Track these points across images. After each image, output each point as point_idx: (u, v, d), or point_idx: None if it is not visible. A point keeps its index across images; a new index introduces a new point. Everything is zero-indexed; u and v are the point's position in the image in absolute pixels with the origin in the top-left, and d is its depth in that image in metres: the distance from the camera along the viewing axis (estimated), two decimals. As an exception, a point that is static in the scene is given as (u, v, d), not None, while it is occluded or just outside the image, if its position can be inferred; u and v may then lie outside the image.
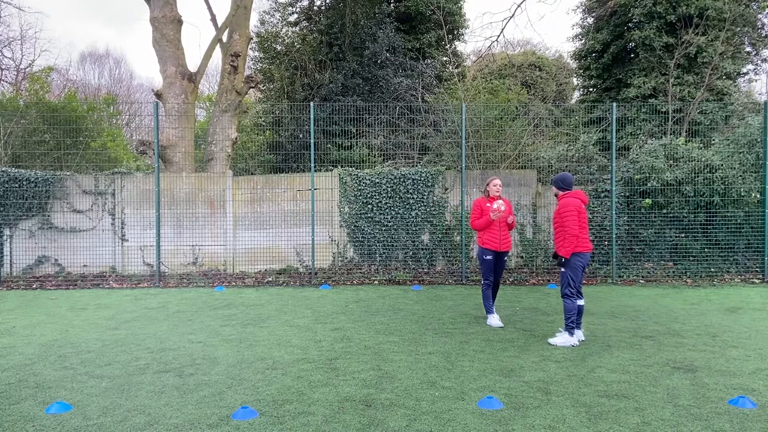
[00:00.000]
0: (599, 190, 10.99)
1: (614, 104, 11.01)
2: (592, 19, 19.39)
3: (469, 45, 65.00)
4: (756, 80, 20.62)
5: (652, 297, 9.01)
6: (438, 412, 4.20)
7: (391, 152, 14.61)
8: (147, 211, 11.42)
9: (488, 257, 7.01)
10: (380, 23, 18.73)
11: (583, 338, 6.22)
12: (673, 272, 10.62)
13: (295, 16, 21.32)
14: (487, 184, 7.11)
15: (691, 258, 10.70)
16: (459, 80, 18.20)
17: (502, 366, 5.32)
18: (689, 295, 9.20)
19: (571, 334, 6.06)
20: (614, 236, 10.63)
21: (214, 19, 15.30)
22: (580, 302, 6.16)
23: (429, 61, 19.79)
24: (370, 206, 11.31)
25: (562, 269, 6.21)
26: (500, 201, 6.92)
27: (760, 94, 22.30)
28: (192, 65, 16.43)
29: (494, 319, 7.04)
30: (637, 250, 10.87)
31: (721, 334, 6.51)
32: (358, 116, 15.52)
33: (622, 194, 10.93)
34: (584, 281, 10.36)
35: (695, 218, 10.67)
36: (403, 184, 11.30)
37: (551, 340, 6.13)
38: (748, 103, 16.68)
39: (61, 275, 11.19)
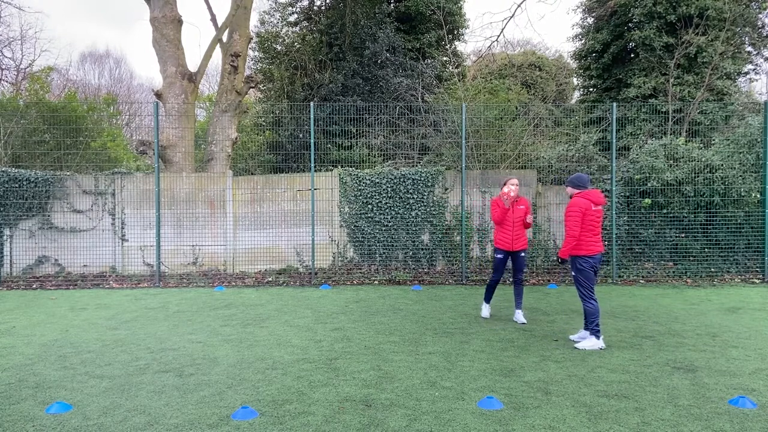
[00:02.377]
0: (599, 190, 10.99)
1: (614, 104, 11.01)
2: (592, 19, 19.38)
3: (469, 45, 65.02)
4: (756, 80, 20.61)
5: (652, 297, 9.01)
6: (438, 412, 4.20)
7: (391, 152, 14.60)
8: (147, 211, 11.43)
9: (499, 255, 7.27)
10: (380, 23, 18.72)
11: (603, 345, 6.02)
12: (673, 272, 10.62)
13: (295, 16, 21.32)
14: (504, 184, 7.19)
15: (691, 258, 10.70)
16: (459, 80, 18.20)
17: (502, 366, 5.32)
18: (689, 295, 9.20)
19: (598, 337, 5.93)
20: (614, 236, 10.63)
21: (214, 19, 15.31)
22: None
23: (429, 61, 19.78)
24: (370, 206, 11.31)
25: (573, 273, 6.17)
26: (511, 186, 7.03)
27: (760, 94, 22.32)
28: (192, 65, 16.45)
29: (485, 310, 7.47)
30: (637, 250, 10.87)
31: (721, 334, 6.51)
32: (358, 116, 15.51)
33: (622, 194, 10.92)
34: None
35: (695, 218, 10.67)
36: (403, 184, 11.30)
37: (578, 345, 5.98)
38: (748, 103, 16.68)
39: (61, 275, 11.19)
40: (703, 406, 4.31)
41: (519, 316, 7.25)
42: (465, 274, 10.81)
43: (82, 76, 35.45)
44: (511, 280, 7.71)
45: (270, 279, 10.98)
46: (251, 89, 17.31)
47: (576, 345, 6.01)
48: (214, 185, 11.67)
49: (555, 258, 6.34)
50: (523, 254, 7.25)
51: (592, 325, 5.95)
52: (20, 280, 10.96)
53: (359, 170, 11.51)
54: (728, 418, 4.07)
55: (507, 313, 7.67)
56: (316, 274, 11.00)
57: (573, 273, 6.16)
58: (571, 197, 6.23)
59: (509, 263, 7.40)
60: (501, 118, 13.58)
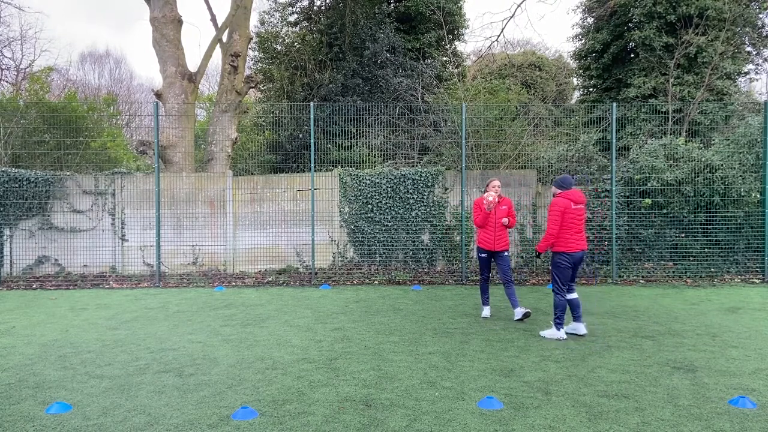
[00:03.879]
0: (599, 190, 10.99)
1: (614, 104, 11.01)
2: (592, 19, 19.38)
3: (469, 45, 65.07)
4: (756, 80, 20.62)
5: (652, 297, 9.01)
6: (438, 412, 4.20)
7: (391, 152, 14.60)
8: (147, 211, 11.42)
9: (483, 255, 7.51)
10: (380, 23, 18.72)
11: (585, 332, 6.41)
12: (673, 272, 10.62)
13: (295, 16, 21.32)
14: (487, 185, 7.45)
15: (691, 258, 10.70)
16: (459, 80, 18.20)
17: (502, 366, 5.33)
18: (689, 295, 9.20)
19: (558, 328, 6.32)
20: (614, 236, 10.63)
21: (214, 19, 15.31)
22: (572, 296, 6.43)
23: (429, 61, 19.78)
24: (370, 206, 11.31)
25: (550, 266, 6.56)
26: (492, 193, 7.28)
27: (760, 94, 22.32)
28: (192, 65, 16.44)
29: (485, 310, 7.59)
30: (637, 250, 10.87)
31: (721, 334, 6.51)
32: (358, 116, 15.51)
33: (622, 194, 10.92)
34: (584, 281, 10.38)
35: (695, 218, 10.67)
36: (403, 184, 11.30)
37: (542, 332, 6.46)
38: (748, 103, 16.68)
39: (61, 275, 11.19)
40: (703, 406, 4.31)
41: (518, 312, 7.26)
42: (465, 274, 10.80)
43: (82, 76, 35.48)
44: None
45: (270, 279, 10.98)
46: (251, 89, 17.31)
47: (541, 333, 6.45)
48: (214, 185, 11.67)
49: (533, 251, 6.78)
50: (505, 254, 7.38)
51: (556, 317, 6.35)
52: (20, 280, 10.96)
53: (359, 170, 11.51)
54: (728, 418, 4.07)
55: (507, 313, 7.67)
56: (316, 274, 11.00)
57: (550, 266, 6.51)
58: (554, 196, 6.55)
59: (494, 263, 7.67)
60: (501, 118, 13.58)
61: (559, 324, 6.32)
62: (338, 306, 8.46)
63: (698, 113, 15.11)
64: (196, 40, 47.21)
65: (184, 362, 5.51)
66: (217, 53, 15.29)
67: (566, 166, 11.85)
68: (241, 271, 11.53)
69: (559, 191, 6.43)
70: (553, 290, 6.44)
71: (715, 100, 15.84)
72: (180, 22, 13.87)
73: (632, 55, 18.23)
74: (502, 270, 7.34)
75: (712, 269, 10.62)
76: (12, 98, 16.43)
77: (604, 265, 10.78)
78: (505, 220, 7.28)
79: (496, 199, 7.22)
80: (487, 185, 7.39)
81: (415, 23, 19.94)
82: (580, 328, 6.42)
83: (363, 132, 15.66)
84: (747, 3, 16.68)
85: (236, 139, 14.56)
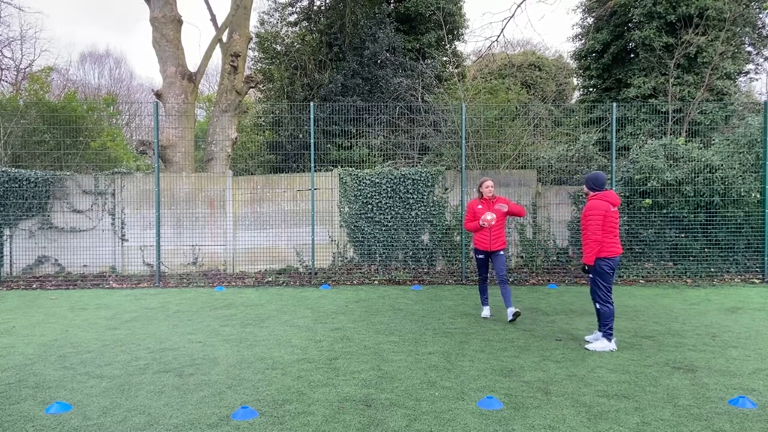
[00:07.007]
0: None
1: (614, 104, 11.02)
2: (592, 19, 19.37)
3: (469, 45, 65.11)
4: (756, 80, 20.64)
5: (652, 297, 9.01)
6: (438, 412, 4.20)
7: (391, 152, 14.60)
8: (147, 211, 11.42)
9: (480, 256, 7.47)
10: (380, 23, 18.72)
11: (615, 347, 5.93)
12: (673, 272, 10.62)
13: (295, 16, 21.31)
14: (480, 185, 7.38)
15: (691, 258, 10.70)
16: (459, 80, 18.18)
17: (502, 366, 5.32)
18: (689, 295, 9.20)
19: (610, 339, 5.89)
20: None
21: (214, 19, 15.31)
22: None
23: (429, 61, 19.75)
24: (370, 206, 11.31)
25: (591, 275, 6.05)
26: (492, 214, 7.15)
27: (760, 94, 22.33)
28: (192, 65, 16.45)
29: (485, 311, 7.56)
30: (637, 250, 10.87)
31: (721, 334, 6.51)
32: (358, 116, 15.51)
33: (622, 194, 10.92)
34: (584, 281, 10.38)
35: (695, 218, 10.67)
36: (403, 184, 11.30)
37: (589, 346, 5.95)
38: (748, 103, 16.68)
39: (61, 275, 11.19)
40: (703, 406, 4.31)
41: (509, 312, 7.18)
42: (465, 274, 10.80)
43: (82, 76, 35.48)
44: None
45: (270, 279, 10.97)
46: (251, 89, 17.31)
47: (587, 346, 5.95)
48: (214, 185, 11.67)
49: (581, 267, 6.29)
50: (501, 253, 7.30)
51: (605, 327, 5.90)
52: (20, 280, 10.96)
53: (359, 170, 11.51)
54: (728, 418, 4.07)
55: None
56: (316, 274, 11.00)
57: (591, 275, 6.03)
58: (586, 196, 6.15)
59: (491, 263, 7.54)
60: (501, 118, 13.57)
61: (610, 334, 5.89)
62: (338, 306, 8.46)
63: (698, 113, 15.11)
64: (196, 40, 47.25)
65: (184, 362, 5.51)
66: (217, 53, 15.31)
67: (566, 166, 11.86)
68: (241, 271, 11.53)
69: (593, 192, 6.00)
70: (598, 300, 5.95)
71: (715, 100, 15.84)
72: (180, 22, 13.87)
73: (632, 55, 18.22)
74: (499, 270, 7.28)
75: (712, 269, 10.62)
76: (12, 98, 16.42)
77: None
78: (506, 207, 7.22)
79: (494, 219, 7.12)
80: (480, 185, 7.31)
81: (415, 23, 19.93)
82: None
83: (363, 132, 15.65)
84: (747, 3, 16.68)
85: (236, 139, 14.56)
